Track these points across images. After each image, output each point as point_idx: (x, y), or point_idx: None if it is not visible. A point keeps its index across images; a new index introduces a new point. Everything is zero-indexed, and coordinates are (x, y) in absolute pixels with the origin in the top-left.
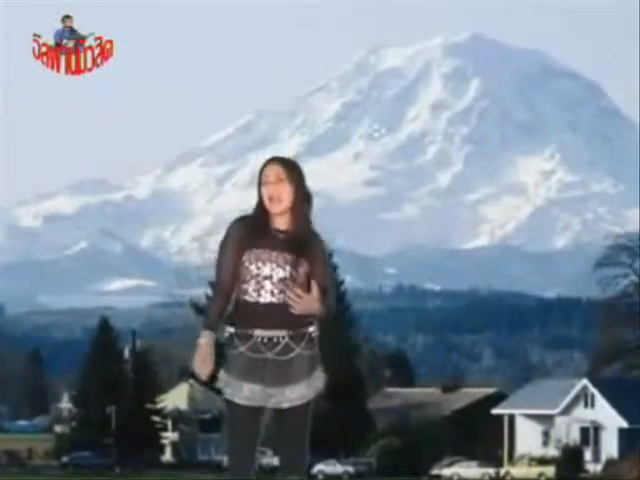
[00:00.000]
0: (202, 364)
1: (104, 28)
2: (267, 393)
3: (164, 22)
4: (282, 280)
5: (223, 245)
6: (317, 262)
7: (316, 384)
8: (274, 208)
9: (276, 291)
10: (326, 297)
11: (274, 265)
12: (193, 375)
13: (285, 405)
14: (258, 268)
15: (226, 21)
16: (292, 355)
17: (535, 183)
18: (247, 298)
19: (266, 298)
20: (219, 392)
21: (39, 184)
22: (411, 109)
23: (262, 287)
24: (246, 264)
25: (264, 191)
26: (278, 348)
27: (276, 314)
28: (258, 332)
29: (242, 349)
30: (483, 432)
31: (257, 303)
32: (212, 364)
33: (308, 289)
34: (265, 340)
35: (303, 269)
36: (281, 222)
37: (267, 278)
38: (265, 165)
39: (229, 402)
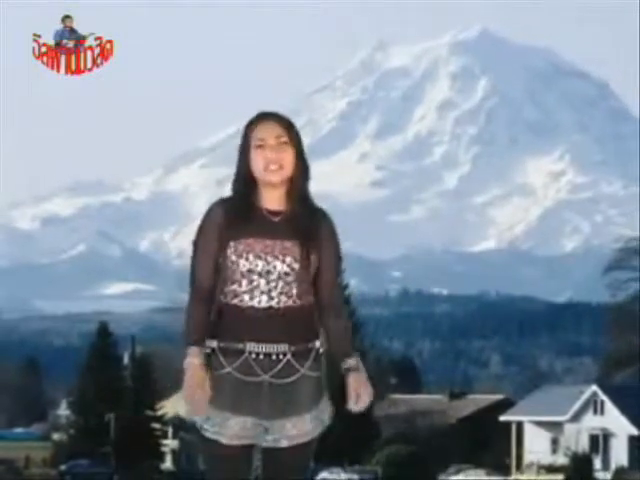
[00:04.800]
0: (198, 389)
1: (104, 28)
2: (262, 428)
3: (164, 22)
4: (282, 277)
5: (200, 235)
6: (327, 252)
7: (322, 417)
8: (274, 177)
9: (275, 292)
10: (340, 304)
11: (270, 258)
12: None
13: (284, 444)
14: (249, 262)
15: (227, 18)
16: (295, 377)
17: (544, 184)
18: (236, 302)
19: (262, 301)
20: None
21: (35, 185)
22: (418, 109)
23: (256, 287)
24: (233, 258)
25: (258, 156)
26: (277, 368)
27: (275, 322)
28: (251, 346)
29: (229, 369)
30: (491, 439)
31: (251, 308)
32: (209, 391)
33: (315, 285)
34: (261, 357)
35: (309, 261)
36: (273, 200)
37: (262, 275)
38: (256, 123)
39: (210, 442)
